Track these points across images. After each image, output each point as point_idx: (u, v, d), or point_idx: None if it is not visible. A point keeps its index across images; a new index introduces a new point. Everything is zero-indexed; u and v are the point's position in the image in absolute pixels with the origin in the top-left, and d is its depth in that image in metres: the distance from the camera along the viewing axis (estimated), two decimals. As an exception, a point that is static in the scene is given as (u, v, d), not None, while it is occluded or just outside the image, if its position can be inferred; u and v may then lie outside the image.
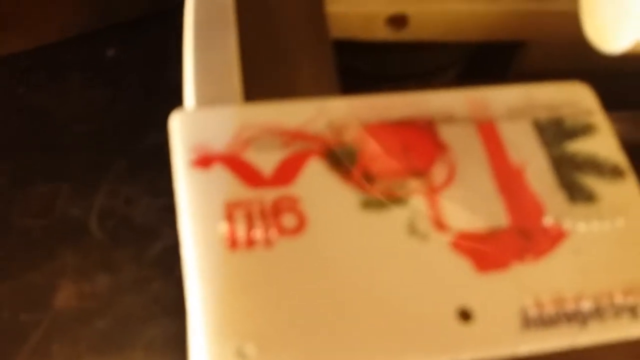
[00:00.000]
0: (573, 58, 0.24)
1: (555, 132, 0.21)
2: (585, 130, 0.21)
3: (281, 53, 0.22)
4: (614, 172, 0.21)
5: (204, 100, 0.20)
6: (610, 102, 0.23)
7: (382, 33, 0.24)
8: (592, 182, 0.20)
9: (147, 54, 0.30)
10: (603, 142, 0.21)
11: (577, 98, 0.22)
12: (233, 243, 0.18)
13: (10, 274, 0.27)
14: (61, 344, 0.26)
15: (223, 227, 0.18)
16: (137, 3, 0.37)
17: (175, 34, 0.24)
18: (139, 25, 0.35)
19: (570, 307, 0.18)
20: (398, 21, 0.24)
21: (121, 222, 0.29)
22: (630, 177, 0.21)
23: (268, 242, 0.18)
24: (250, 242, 0.18)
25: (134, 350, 0.25)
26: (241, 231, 0.18)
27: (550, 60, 0.26)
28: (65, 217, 0.29)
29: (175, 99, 0.22)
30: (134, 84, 0.33)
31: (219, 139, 0.19)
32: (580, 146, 0.21)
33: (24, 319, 0.26)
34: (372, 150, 0.20)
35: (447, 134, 0.21)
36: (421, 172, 0.20)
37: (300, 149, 0.20)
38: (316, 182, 0.19)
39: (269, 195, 0.19)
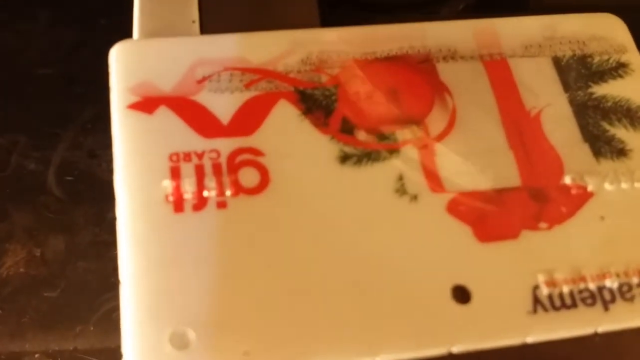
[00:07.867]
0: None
1: (579, 72, 0.18)
2: (615, 70, 0.18)
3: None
4: (650, 122, 0.17)
5: (151, 30, 0.17)
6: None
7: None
8: (622, 133, 0.17)
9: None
10: (637, 85, 0.17)
11: (607, 32, 0.18)
12: (178, 205, 0.14)
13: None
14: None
15: (167, 186, 0.15)
16: None
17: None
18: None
19: (591, 285, 0.15)
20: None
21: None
22: (670, 128, 0.17)
23: (221, 204, 0.15)
24: (200, 205, 0.15)
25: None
26: (189, 191, 0.15)
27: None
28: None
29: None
30: (106, 25, 0.31)
31: (167, 77, 0.16)
32: (609, 90, 0.17)
33: None
34: (355, 92, 0.16)
35: (448, 72, 0.17)
36: (414, 120, 0.16)
37: (266, 90, 0.16)
38: (284, 131, 0.16)
39: (226, 147, 0.15)
